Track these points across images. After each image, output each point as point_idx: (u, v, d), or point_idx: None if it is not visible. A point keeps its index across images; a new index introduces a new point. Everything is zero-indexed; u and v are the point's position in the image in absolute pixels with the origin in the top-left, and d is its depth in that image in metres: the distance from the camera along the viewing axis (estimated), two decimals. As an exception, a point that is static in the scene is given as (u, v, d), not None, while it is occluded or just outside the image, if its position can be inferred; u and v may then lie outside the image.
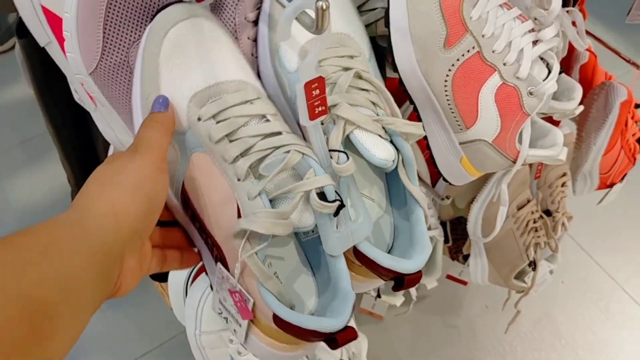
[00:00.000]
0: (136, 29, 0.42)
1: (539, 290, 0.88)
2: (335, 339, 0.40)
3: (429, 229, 0.82)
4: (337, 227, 0.41)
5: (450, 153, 0.54)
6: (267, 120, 0.39)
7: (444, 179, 0.57)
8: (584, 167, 0.87)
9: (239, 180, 0.38)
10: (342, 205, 0.38)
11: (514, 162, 0.52)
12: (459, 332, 1.11)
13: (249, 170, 0.38)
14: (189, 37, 0.41)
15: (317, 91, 0.38)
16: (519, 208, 0.79)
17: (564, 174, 0.83)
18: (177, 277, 0.70)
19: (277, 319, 0.41)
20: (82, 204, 0.34)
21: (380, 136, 0.43)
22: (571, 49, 0.71)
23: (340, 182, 0.41)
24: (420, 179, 0.80)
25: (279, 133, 0.38)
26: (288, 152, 0.37)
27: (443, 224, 0.89)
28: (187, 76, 0.41)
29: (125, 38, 0.42)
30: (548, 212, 0.83)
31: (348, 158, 0.39)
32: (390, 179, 0.47)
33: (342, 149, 0.40)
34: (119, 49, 0.42)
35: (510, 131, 0.51)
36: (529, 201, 0.80)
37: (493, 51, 0.49)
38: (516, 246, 0.80)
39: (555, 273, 1.19)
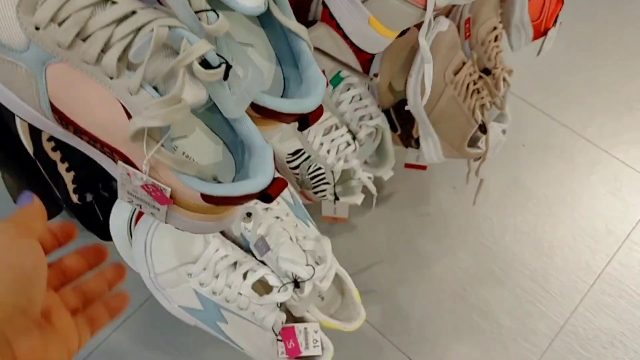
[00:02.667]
0: None
1: (495, 153, 0.86)
2: (268, 194, 0.40)
3: (370, 118, 0.79)
4: (230, 90, 0.38)
5: (357, 16, 0.50)
6: (114, 2, 0.34)
7: (360, 49, 0.53)
8: (514, 19, 0.83)
9: (112, 78, 0.34)
10: (229, 67, 0.36)
11: (424, 8, 0.49)
12: (431, 218, 1.09)
13: (118, 64, 0.34)
14: None
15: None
16: (455, 72, 0.75)
17: (495, 28, 0.79)
18: (120, 227, 0.66)
19: (206, 197, 0.40)
20: None
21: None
22: None
23: (218, 43, 0.37)
24: (350, 67, 0.76)
25: (134, 12, 0.34)
26: (152, 30, 0.33)
27: (387, 112, 0.86)
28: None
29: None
30: (487, 71, 0.79)
31: (218, 15, 0.36)
32: (266, 23, 0.45)
33: (208, 8, 0.36)
34: None
35: (411, -25, 0.47)
36: (464, 63, 0.76)
37: None
38: (462, 113, 0.77)
39: (514, 138, 1.18)
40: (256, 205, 0.64)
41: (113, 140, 0.37)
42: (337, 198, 0.79)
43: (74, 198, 0.75)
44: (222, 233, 0.68)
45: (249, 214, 0.59)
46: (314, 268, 0.65)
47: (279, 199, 0.70)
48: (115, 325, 0.99)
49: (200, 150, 0.43)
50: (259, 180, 0.40)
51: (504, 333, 0.99)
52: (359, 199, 0.81)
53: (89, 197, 0.75)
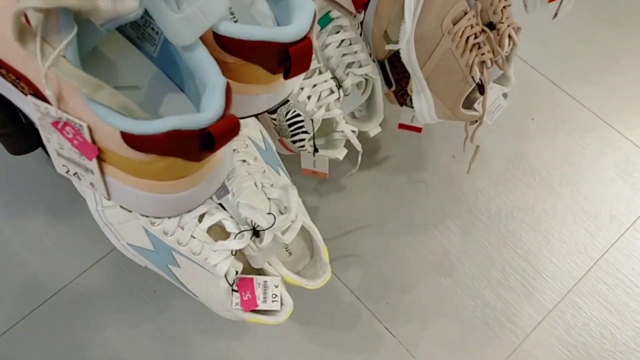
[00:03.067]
0: None
1: (494, 118, 0.80)
2: (210, 135, 0.32)
3: (360, 66, 0.73)
4: (178, 7, 0.32)
5: None
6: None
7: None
8: (530, -27, 0.76)
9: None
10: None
11: None
12: (426, 186, 1.04)
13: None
14: None
15: None
16: (455, 22, 0.69)
17: (504, -21, 0.72)
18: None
19: (126, 137, 0.33)
20: None
21: None
22: None
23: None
24: (340, 5, 0.70)
25: None
26: None
27: (382, 64, 0.80)
28: None
29: None
30: (491, 25, 0.73)
31: None
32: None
33: None
34: None
35: None
36: (465, 13, 0.70)
37: None
38: (458, 68, 0.71)
39: (523, 109, 1.11)
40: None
41: (9, 56, 0.31)
42: (316, 150, 0.74)
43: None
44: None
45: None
46: (275, 217, 0.60)
47: (247, 140, 0.65)
48: (85, 267, 0.96)
49: (142, 86, 0.37)
50: (201, 116, 0.32)
51: (487, 311, 0.94)
52: (340, 153, 0.76)
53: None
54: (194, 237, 0.60)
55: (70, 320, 0.91)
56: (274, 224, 0.60)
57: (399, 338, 0.92)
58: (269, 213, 0.61)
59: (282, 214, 0.62)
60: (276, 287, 0.67)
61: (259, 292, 0.65)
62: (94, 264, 0.97)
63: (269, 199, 0.63)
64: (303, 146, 0.73)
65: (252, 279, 0.65)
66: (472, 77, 0.72)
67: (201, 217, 0.61)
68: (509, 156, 1.07)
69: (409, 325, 0.93)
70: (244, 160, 0.64)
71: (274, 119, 0.72)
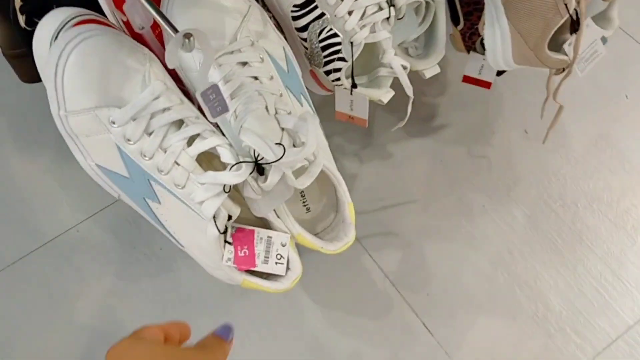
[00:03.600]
0: None
1: (587, 69, 0.62)
2: None
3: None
4: None
5: None
6: None
7: None
8: None
9: None
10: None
11: None
12: (489, 162, 0.87)
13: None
14: None
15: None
16: None
17: None
18: (42, 40, 0.49)
19: None
20: None
21: None
22: None
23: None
24: None
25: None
26: None
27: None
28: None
29: None
30: (597, -58, 0.56)
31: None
32: None
33: None
34: None
35: None
36: None
37: None
38: (548, -9, 0.55)
39: (617, 84, 0.93)
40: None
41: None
42: (354, 85, 0.59)
43: (21, 20, 0.59)
44: (174, 77, 0.50)
45: (188, 35, 0.40)
46: (284, 149, 0.45)
47: (263, 55, 0.51)
48: (89, 214, 0.84)
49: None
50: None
51: (550, 319, 0.76)
52: (384, 94, 0.60)
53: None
54: (177, 165, 0.46)
55: (63, 269, 0.79)
56: (282, 156, 0.45)
57: (437, 337, 0.76)
58: (278, 143, 0.46)
59: (295, 147, 0.47)
60: (283, 245, 0.52)
61: (259, 249, 0.51)
62: (98, 211, 0.85)
63: (282, 128, 0.49)
64: (338, 79, 0.58)
65: (252, 230, 0.51)
66: (566, 6, 0.55)
67: (191, 140, 0.47)
68: (593, 137, 0.89)
69: (451, 324, 0.77)
70: (256, 77, 0.50)
71: (304, 40, 0.57)
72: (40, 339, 0.74)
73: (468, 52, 0.70)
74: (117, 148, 0.46)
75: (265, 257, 0.51)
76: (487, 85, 0.73)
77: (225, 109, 0.45)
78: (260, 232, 0.51)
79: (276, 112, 0.49)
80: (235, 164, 0.46)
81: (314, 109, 0.56)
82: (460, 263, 0.80)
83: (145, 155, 0.46)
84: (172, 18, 0.50)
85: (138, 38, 0.52)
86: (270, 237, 0.51)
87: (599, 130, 0.89)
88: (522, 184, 0.85)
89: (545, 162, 0.86)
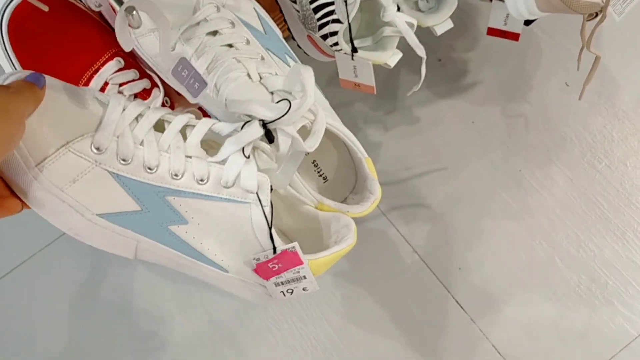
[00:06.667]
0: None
1: (625, 12, 0.54)
2: None
3: None
4: None
5: None
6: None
7: None
8: None
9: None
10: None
11: None
12: (525, 120, 0.79)
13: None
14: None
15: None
16: None
17: None
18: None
19: None
20: None
21: None
22: None
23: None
24: None
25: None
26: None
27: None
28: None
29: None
30: None
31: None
32: None
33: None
34: None
35: None
36: None
37: None
38: None
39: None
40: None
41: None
42: (354, 50, 0.53)
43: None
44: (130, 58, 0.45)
45: (130, 9, 0.35)
46: (290, 102, 0.40)
47: (232, 19, 0.46)
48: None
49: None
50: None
51: (595, 290, 0.70)
52: (390, 57, 0.54)
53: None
54: (189, 158, 0.41)
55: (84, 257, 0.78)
56: (288, 111, 0.39)
57: (471, 314, 0.71)
58: (278, 102, 0.41)
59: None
60: (303, 290, 0.47)
61: (287, 276, 0.46)
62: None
63: (271, 92, 0.44)
64: (336, 43, 0.52)
65: (300, 261, 0.45)
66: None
67: (183, 132, 0.43)
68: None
69: (485, 299, 0.71)
70: (230, 45, 0.45)
71: (294, 2, 0.51)
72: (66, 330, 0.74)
73: (490, 0, 0.62)
74: (113, 178, 0.41)
75: (281, 282, 0.46)
76: (515, 37, 0.65)
77: (203, 84, 0.40)
78: (302, 270, 0.46)
79: (260, 78, 0.44)
80: (245, 123, 0.41)
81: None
82: (495, 234, 0.74)
83: (150, 168, 0.41)
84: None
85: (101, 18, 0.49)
86: (301, 277, 0.46)
87: (651, 78, 0.79)
88: (563, 143, 0.77)
89: (589, 117, 0.78)
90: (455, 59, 0.84)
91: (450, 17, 0.57)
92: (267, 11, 0.51)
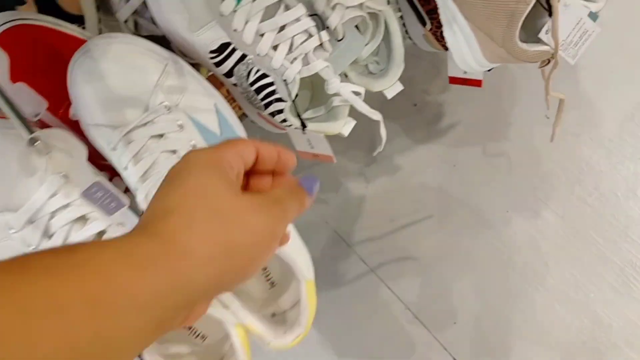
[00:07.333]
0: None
1: (579, 53, 0.51)
2: None
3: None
4: None
5: None
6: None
7: None
8: None
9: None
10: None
11: None
12: (508, 159, 0.77)
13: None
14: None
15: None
16: None
17: None
18: None
19: None
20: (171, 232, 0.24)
21: None
22: None
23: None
24: None
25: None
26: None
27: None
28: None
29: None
30: None
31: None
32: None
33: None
34: None
35: None
36: None
37: None
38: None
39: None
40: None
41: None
42: (304, 125, 0.51)
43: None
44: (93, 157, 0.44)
45: (33, 140, 0.34)
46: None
47: (183, 120, 0.44)
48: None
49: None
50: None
51: (599, 334, 0.66)
52: (343, 126, 0.52)
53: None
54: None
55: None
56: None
57: (470, 372, 0.67)
58: None
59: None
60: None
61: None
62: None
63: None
64: (285, 120, 0.51)
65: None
66: (529, -12, 0.45)
67: (101, 235, 0.41)
68: (629, 111, 0.76)
69: (486, 355, 0.68)
70: (174, 151, 0.43)
71: (235, 85, 0.50)
72: None
73: (445, 49, 0.60)
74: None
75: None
76: (477, 83, 0.63)
77: (120, 204, 0.39)
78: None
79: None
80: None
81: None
82: (487, 282, 0.71)
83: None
84: (75, 87, 0.45)
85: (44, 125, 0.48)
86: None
87: (634, 102, 0.76)
88: (549, 179, 0.74)
89: (574, 149, 0.75)
90: (431, 102, 0.82)
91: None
92: (225, 97, 0.50)
